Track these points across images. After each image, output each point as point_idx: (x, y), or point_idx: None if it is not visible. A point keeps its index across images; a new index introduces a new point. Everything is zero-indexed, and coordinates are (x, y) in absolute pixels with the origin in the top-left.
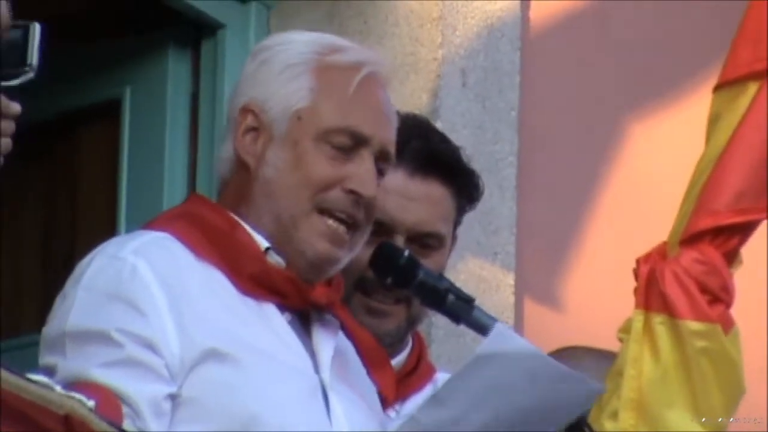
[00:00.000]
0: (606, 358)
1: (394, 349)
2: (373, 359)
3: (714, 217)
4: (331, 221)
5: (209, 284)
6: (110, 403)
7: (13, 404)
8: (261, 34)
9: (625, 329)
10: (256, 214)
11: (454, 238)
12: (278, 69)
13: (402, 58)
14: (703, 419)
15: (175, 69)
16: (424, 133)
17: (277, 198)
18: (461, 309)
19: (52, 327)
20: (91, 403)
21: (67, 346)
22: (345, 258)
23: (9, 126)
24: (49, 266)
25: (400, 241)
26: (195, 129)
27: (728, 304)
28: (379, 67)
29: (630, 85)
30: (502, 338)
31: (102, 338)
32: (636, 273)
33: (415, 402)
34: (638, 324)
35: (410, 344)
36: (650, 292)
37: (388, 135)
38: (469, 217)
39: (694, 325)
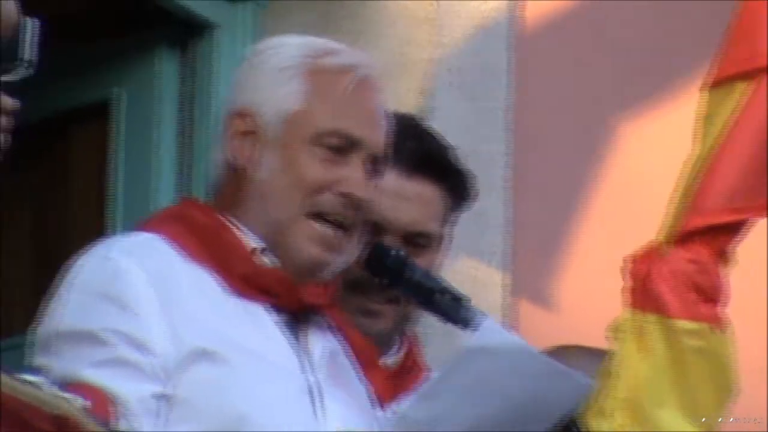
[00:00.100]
0: (600, 357)
1: (387, 348)
2: (366, 360)
3: (706, 216)
4: (322, 225)
5: (199, 285)
6: (102, 403)
7: (5, 404)
8: (252, 34)
9: (617, 328)
10: (248, 217)
11: (446, 238)
12: (270, 72)
13: (394, 58)
14: (695, 419)
15: (166, 69)
16: (417, 133)
17: (269, 201)
18: (454, 308)
19: (43, 328)
20: (83, 403)
21: (58, 347)
22: (338, 262)
23: (8, 122)
24: (40, 266)
25: (392, 240)
26: (185, 129)
27: (720, 304)
28: (372, 70)
29: (621, 84)
30: (490, 333)
31: (92, 338)
32: (627, 272)
33: None
34: (629, 323)
35: (402, 343)
36: (641, 292)
37: (379, 138)
38: (461, 217)
39: (686, 325)
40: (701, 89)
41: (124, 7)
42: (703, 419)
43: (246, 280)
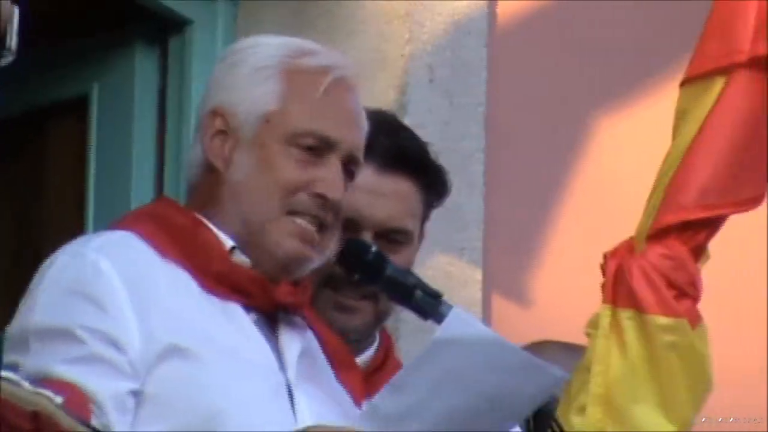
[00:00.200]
0: (577, 352)
1: (361, 345)
2: (340, 360)
3: (681, 213)
4: (300, 220)
5: (174, 283)
6: (79, 399)
7: None
8: (228, 30)
9: (593, 324)
10: (223, 216)
11: (421, 234)
12: (247, 72)
13: (369, 55)
14: (671, 414)
15: (143, 65)
16: (391, 129)
17: (245, 202)
18: (429, 304)
19: (16, 325)
20: (59, 400)
21: (31, 344)
22: (315, 258)
23: None
24: (17, 263)
25: (367, 237)
26: (162, 125)
27: (695, 299)
28: (348, 70)
29: (597, 81)
30: (460, 323)
31: (65, 335)
32: (603, 268)
33: None
34: (606, 319)
35: (377, 341)
36: (617, 288)
37: (356, 139)
38: (436, 213)
39: (661, 320)
40: (681, 85)
41: (102, 3)
42: (678, 414)
43: (220, 279)
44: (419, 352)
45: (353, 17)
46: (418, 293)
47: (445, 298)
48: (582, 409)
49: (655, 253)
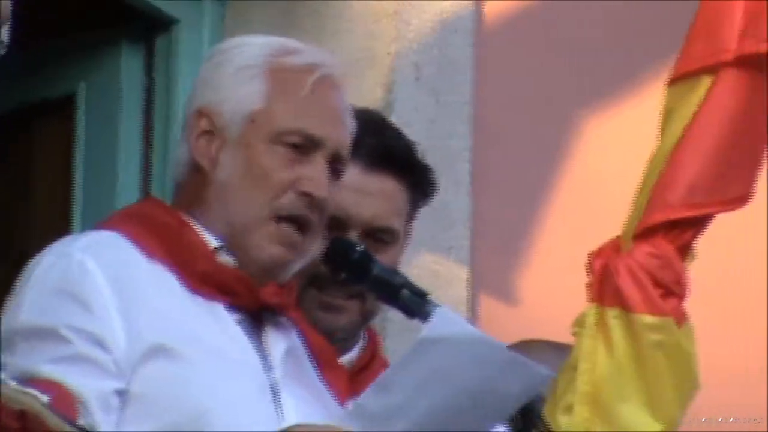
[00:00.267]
0: (564, 351)
1: (347, 344)
2: (325, 360)
3: (667, 211)
4: (284, 226)
5: (159, 282)
6: (64, 398)
7: None
8: (215, 29)
9: (579, 323)
10: (209, 216)
11: (408, 233)
12: (232, 72)
13: (356, 54)
14: (658, 413)
15: (130, 64)
16: (378, 128)
17: (231, 202)
18: (416, 303)
19: (2, 325)
20: (45, 399)
21: (18, 344)
22: (297, 262)
23: None
24: (3, 263)
25: (354, 236)
26: (149, 124)
27: (682, 298)
28: (334, 69)
29: (583, 80)
30: (446, 322)
31: (51, 335)
32: (589, 267)
33: None
34: (592, 318)
35: (364, 340)
36: (604, 286)
37: (341, 137)
38: (423, 212)
39: (647, 319)
40: (667, 84)
41: (89, 3)
42: (665, 413)
43: (205, 279)
44: (406, 351)
45: (340, 16)
46: (405, 292)
47: (432, 297)
48: (569, 408)
49: (642, 251)
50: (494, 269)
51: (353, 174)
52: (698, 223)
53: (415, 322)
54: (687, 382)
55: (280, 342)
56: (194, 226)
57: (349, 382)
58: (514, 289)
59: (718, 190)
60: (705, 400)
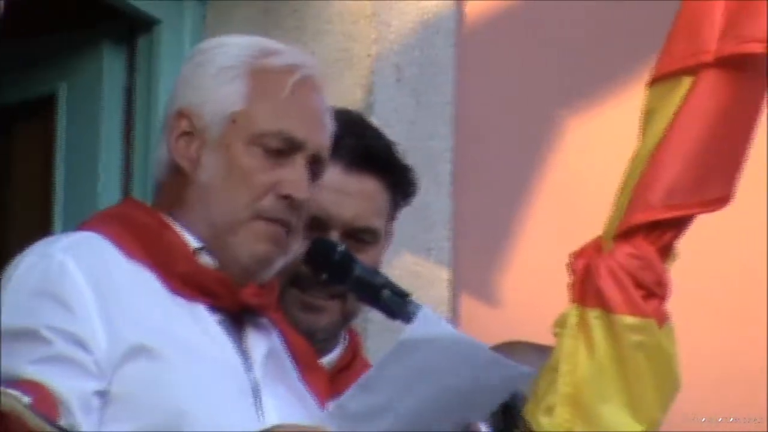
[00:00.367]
0: (547, 353)
1: (328, 344)
2: (305, 361)
3: (648, 212)
4: (267, 224)
5: (139, 283)
6: (46, 399)
7: None
8: (196, 30)
9: (560, 324)
10: (190, 217)
11: (389, 233)
12: (213, 72)
13: (336, 54)
14: (639, 414)
15: (111, 65)
16: (358, 128)
17: (212, 204)
18: (397, 304)
19: None
20: (26, 400)
21: None
22: (280, 260)
23: None
24: None
25: (335, 236)
26: (130, 125)
27: (663, 299)
28: (314, 70)
29: (565, 80)
30: (427, 323)
31: (32, 336)
32: (570, 268)
33: None
34: (573, 319)
35: (345, 340)
36: (585, 287)
37: (321, 139)
38: (404, 213)
39: (628, 320)
40: (648, 85)
41: (70, 3)
42: (646, 414)
43: (186, 280)
44: (387, 351)
45: (321, 17)
46: (386, 293)
47: (413, 297)
48: (550, 409)
49: (623, 252)
50: (475, 270)
51: (334, 174)
52: (679, 224)
53: (396, 323)
54: (668, 383)
55: (260, 343)
56: (174, 227)
57: (330, 383)
58: (495, 290)
59: (698, 191)
60: (705, 400)
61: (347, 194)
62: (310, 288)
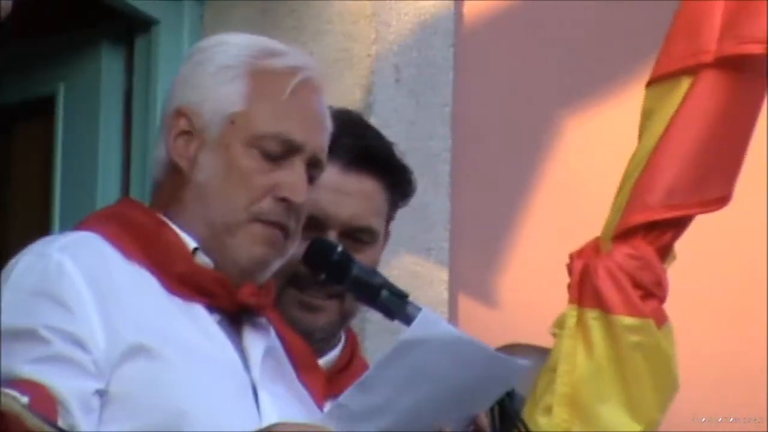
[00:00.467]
0: (547, 355)
1: (326, 345)
2: (303, 362)
3: (647, 213)
4: (264, 227)
5: (137, 283)
6: (44, 399)
7: None
8: (195, 30)
9: (559, 324)
10: (187, 217)
11: (387, 233)
12: (212, 71)
13: (336, 55)
14: (637, 414)
15: (109, 65)
16: (357, 128)
17: (210, 204)
18: (395, 304)
19: None
20: (25, 400)
21: None
22: (276, 263)
23: None
24: None
25: (332, 236)
26: (128, 125)
27: (661, 299)
28: (315, 72)
29: (563, 80)
30: (428, 324)
31: (30, 335)
32: (569, 268)
33: None
34: (572, 319)
35: (343, 340)
36: (583, 288)
37: (320, 142)
38: (402, 213)
39: (627, 320)
40: (647, 85)
41: (68, 3)
42: (644, 414)
43: (183, 280)
44: (385, 351)
45: (320, 17)
46: (385, 293)
47: (412, 298)
48: (548, 410)
49: (621, 253)
50: (474, 270)
51: (332, 174)
52: (678, 225)
53: (395, 324)
54: (666, 383)
55: (258, 342)
56: (172, 227)
57: (328, 384)
58: (493, 290)
59: (697, 191)
60: (705, 400)
61: (345, 194)
62: (309, 288)
